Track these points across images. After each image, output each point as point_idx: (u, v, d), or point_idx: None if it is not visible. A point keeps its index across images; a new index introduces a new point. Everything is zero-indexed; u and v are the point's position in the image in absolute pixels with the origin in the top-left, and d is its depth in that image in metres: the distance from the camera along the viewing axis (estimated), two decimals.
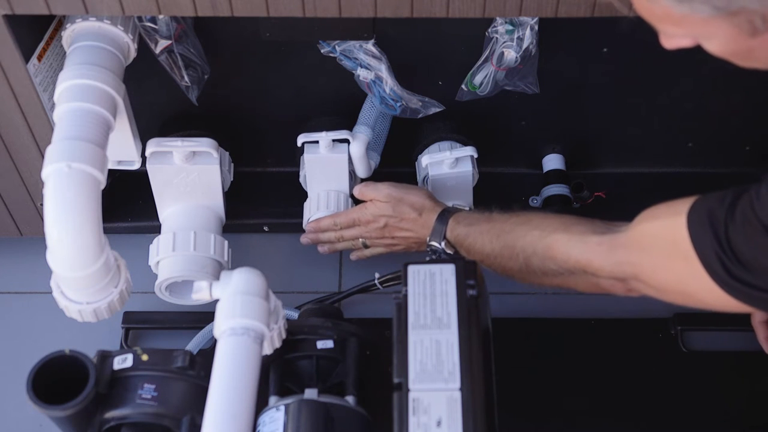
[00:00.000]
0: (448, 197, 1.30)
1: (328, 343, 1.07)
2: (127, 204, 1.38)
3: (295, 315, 1.26)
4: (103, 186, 1.01)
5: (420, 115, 1.27)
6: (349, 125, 1.30)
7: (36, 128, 1.19)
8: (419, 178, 1.35)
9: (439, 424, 0.90)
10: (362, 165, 1.31)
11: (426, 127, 1.35)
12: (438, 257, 1.17)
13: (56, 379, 0.95)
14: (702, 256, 0.87)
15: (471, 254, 1.14)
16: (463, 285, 1.00)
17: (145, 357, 1.00)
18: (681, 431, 1.28)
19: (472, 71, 1.23)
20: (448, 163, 1.30)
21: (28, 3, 1.03)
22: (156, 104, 1.32)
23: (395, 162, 1.36)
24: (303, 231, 1.34)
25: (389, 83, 1.23)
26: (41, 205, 1.18)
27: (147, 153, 1.23)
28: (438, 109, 1.27)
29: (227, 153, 1.34)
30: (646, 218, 0.96)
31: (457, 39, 1.23)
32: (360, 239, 1.30)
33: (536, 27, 1.17)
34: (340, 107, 1.33)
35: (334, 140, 1.28)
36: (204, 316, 1.29)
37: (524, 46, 1.18)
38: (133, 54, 1.16)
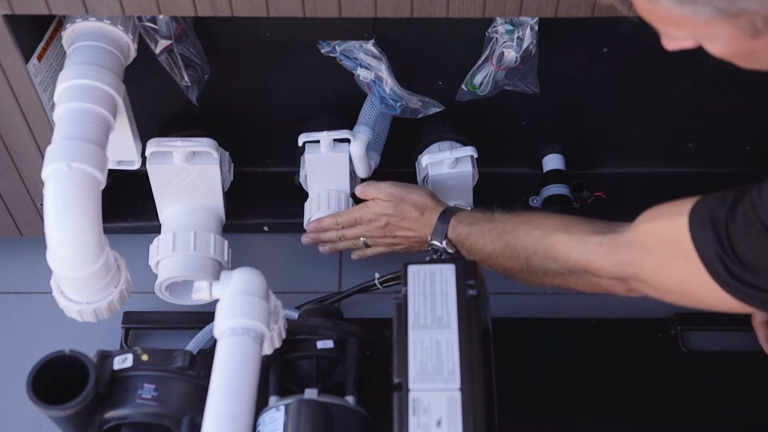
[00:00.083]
0: (448, 197, 1.30)
1: (328, 343, 1.07)
2: (127, 204, 1.38)
3: (295, 315, 1.26)
4: (103, 186, 1.01)
5: (420, 115, 1.27)
6: (350, 125, 1.30)
7: (36, 128, 1.19)
8: (419, 178, 1.35)
9: (439, 424, 0.90)
10: (362, 165, 1.31)
11: (426, 127, 1.35)
12: (439, 257, 1.17)
13: (56, 379, 0.95)
14: (703, 257, 0.87)
15: (472, 254, 1.14)
16: (463, 285, 1.00)
17: (145, 357, 1.00)
18: (681, 431, 1.28)
19: (472, 71, 1.23)
20: (448, 163, 1.30)
21: (28, 3, 1.03)
22: (156, 104, 1.32)
23: (395, 162, 1.36)
24: (303, 231, 1.34)
25: (389, 83, 1.23)
26: (41, 205, 1.18)
27: (147, 153, 1.23)
28: (438, 109, 1.27)
29: (227, 153, 1.34)
30: (647, 218, 0.97)
31: (457, 39, 1.23)
32: (361, 238, 1.30)
33: (536, 27, 1.17)
34: (340, 107, 1.33)
35: (335, 140, 1.28)
36: (204, 316, 1.29)
37: (524, 46, 1.18)
38: (133, 54, 1.16)
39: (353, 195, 1.32)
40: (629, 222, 0.99)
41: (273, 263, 1.41)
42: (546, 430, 1.27)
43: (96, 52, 1.10)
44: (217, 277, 1.03)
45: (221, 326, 0.93)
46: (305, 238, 1.34)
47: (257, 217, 1.41)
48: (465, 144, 1.33)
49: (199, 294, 0.98)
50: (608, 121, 1.39)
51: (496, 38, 1.18)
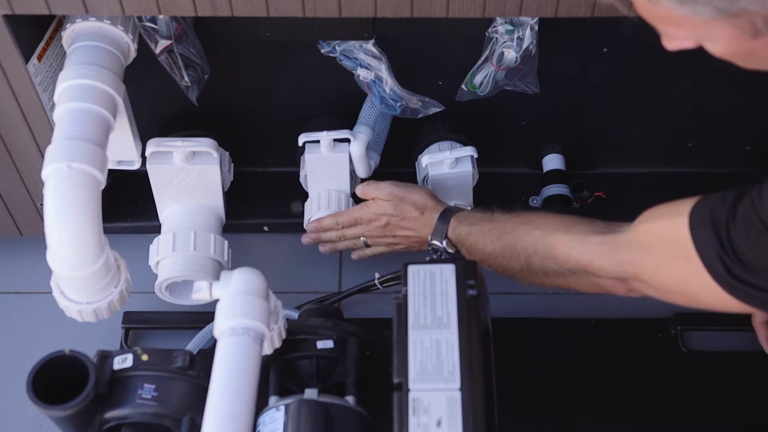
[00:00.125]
0: (448, 197, 1.30)
1: (328, 343, 1.07)
2: (127, 204, 1.38)
3: (295, 315, 1.26)
4: (103, 186, 1.01)
5: (420, 115, 1.27)
6: (350, 125, 1.30)
7: (36, 128, 1.19)
8: (419, 178, 1.35)
9: (439, 424, 0.90)
10: (362, 165, 1.31)
11: (426, 127, 1.35)
12: (439, 257, 1.17)
13: (56, 379, 0.95)
14: (703, 257, 0.87)
15: (472, 254, 1.14)
16: (463, 285, 1.00)
17: (145, 357, 1.00)
18: (681, 431, 1.28)
19: (472, 71, 1.23)
20: (448, 163, 1.30)
21: (28, 3, 1.03)
22: (156, 104, 1.32)
23: (395, 162, 1.36)
24: (303, 231, 1.34)
25: (389, 83, 1.23)
26: (41, 205, 1.18)
27: (147, 153, 1.23)
28: (438, 109, 1.27)
29: (227, 153, 1.34)
30: (648, 218, 0.97)
31: (457, 39, 1.23)
32: (361, 238, 1.30)
33: (536, 27, 1.17)
34: (340, 107, 1.33)
35: (335, 140, 1.28)
36: (204, 316, 1.29)
37: (524, 46, 1.18)
38: (133, 54, 1.16)
39: (353, 195, 1.32)
40: (629, 222, 0.99)
41: (273, 263, 1.41)
42: (546, 430, 1.27)
43: (96, 52, 1.10)
44: (217, 277, 1.03)
45: (221, 326, 0.93)
46: (305, 239, 1.34)
47: (257, 217, 1.40)
48: (465, 144, 1.33)
49: (199, 294, 0.98)
50: (608, 121, 1.39)
51: (496, 38, 1.18)
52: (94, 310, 1.03)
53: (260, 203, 1.41)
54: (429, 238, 1.19)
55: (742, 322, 1.25)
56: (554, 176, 1.41)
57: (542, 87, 1.24)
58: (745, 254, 0.85)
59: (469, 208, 1.31)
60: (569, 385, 1.30)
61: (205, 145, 1.23)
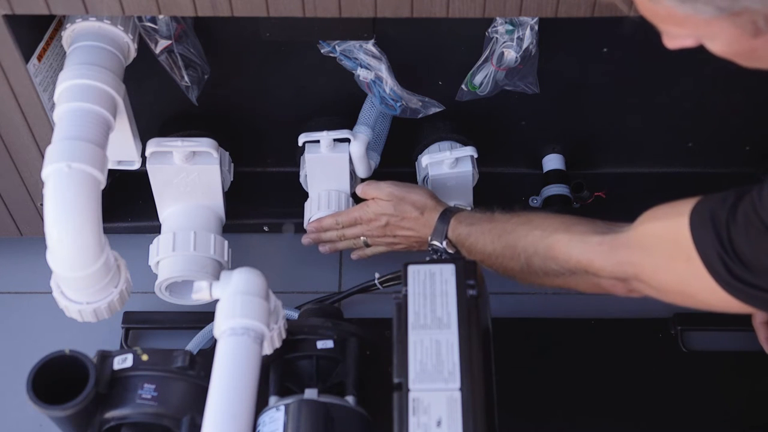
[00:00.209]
0: (448, 197, 1.30)
1: (328, 343, 1.07)
2: (127, 204, 1.38)
3: (295, 315, 1.26)
4: (103, 186, 1.01)
5: (420, 115, 1.27)
6: (349, 125, 1.30)
7: (36, 128, 1.19)
8: (419, 178, 1.35)
9: (439, 424, 0.90)
10: (362, 165, 1.31)
11: (426, 127, 1.35)
12: (439, 257, 1.17)
13: (56, 379, 0.95)
14: (704, 257, 0.87)
15: (472, 254, 1.14)
16: (463, 285, 1.00)
17: (145, 357, 1.00)
18: (681, 431, 1.28)
19: (472, 71, 1.23)
20: (448, 163, 1.30)
21: (28, 3, 1.03)
22: (156, 104, 1.32)
23: (395, 162, 1.36)
24: (303, 231, 1.34)
25: (389, 83, 1.23)
26: (41, 205, 1.18)
27: (147, 153, 1.23)
28: (438, 109, 1.27)
29: (227, 153, 1.34)
30: (648, 219, 0.96)
31: (457, 39, 1.23)
32: (361, 238, 1.30)
33: (536, 27, 1.17)
34: (340, 107, 1.33)
35: (335, 140, 1.28)
36: (204, 316, 1.29)
37: (524, 46, 1.18)
38: (133, 54, 1.16)
39: (353, 195, 1.32)
40: (629, 222, 0.99)
41: (273, 263, 1.41)
42: (546, 430, 1.27)
43: (96, 52, 1.10)
44: (217, 277, 1.02)
45: (221, 326, 0.93)
46: (306, 239, 1.34)
47: (257, 217, 1.40)
48: (465, 144, 1.33)
49: (199, 294, 0.98)
50: (608, 121, 1.39)
51: (496, 38, 1.18)
52: (94, 310, 1.03)
53: (260, 203, 1.41)
54: (429, 238, 1.19)
55: (742, 322, 1.25)
56: (554, 176, 1.41)
57: (542, 87, 1.24)
58: (746, 254, 0.85)
59: (469, 208, 1.31)
60: (569, 385, 1.30)
61: (205, 145, 1.23)
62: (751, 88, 1.28)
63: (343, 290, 1.36)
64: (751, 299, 0.87)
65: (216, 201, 1.31)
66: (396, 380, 0.94)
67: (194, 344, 1.27)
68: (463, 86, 1.25)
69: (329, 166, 1.31)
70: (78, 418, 0.96)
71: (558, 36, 1.20)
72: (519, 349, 1.28)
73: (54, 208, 0.97)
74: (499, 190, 1.43)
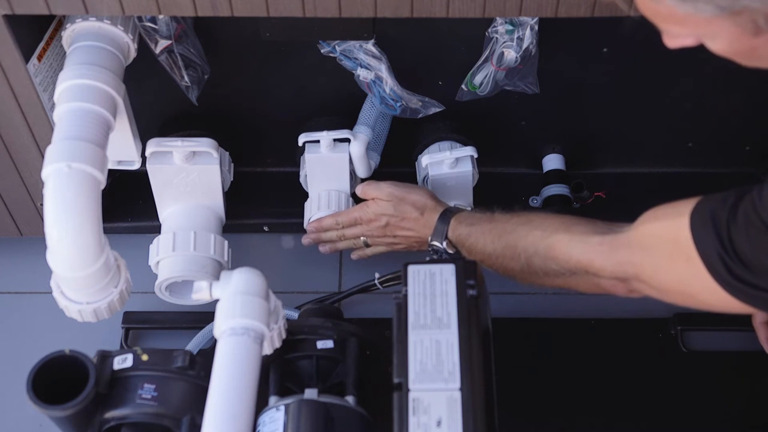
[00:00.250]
0: (448, 197, 1.30)
1: (328, 343, 1.07)
2: (127, 204, 1.38)
3: (295, 315, 1.26)
4: (103, 186, 1.01)
5: (420, 115, 1.27)
6: (349, 125, 1.30)
7: (36, 128, 1.19)
8: (419, 178, 1.35)
9: (439, 424, 0.90)
10: (362, 165, 1.31)
11: (426, 127, 1.35)
12: (439, 257, 1.17)
13: (56, 379, 0.94)
14: (704, 257, 0.87)
15: (472, 254, 1.14)
16: (463, 285, 1.00)
17: (145, 357, 1.00)
18: (681, 431, 1.28)
19: (472, 71, 1.23)
20: (448, 163, 1.30)
21: (28, 3, 1.03)
22: (156, 104, 1.32)
23: (395, 162, 1.36)
24: (303, 231, 1.34)
25: (389, 83, 1.23)
26: (41, 205, 1.18)
27: (147, 153, 1.23)
28: (438, 109, 1.27)
29: (227, 153, 1.34)
30: (649, 219, 0.96)
31: (457, 39, 1.23)
32: (361, 238, 1.29)
33: (536, 27, 1.17)
34: (340, 107, 1.33)
35: (335, 140, 1.28)
36: (204, 316, 1.29)
37: (524, 46, 1.18)
38: (133, 54, 1.16)
39: (353, 195, 1.32)
40: (629, 222, 0.99)
41: (273, 263, 1.41)
42: (546, 430, 1.27)
43: (96, 52, 1.10)
44: (217, 277, 1.02)
45: (221, 326, 0.93)
46: (306, 239, 1.34)
47: (257, 217, 1.40)
48: (465, 144, 1.33)
49: (199, 294, 0.98)
50: (608, 121, 1.39)
51: (496, 38, 1.18)
52: (94, 310, 1.03)
53: (260, 203, 1.41)
54: (429, 238, 1.19)
55: (742, 322, 1.25)
56: (554, 176, 1.41)
57: (542, 87, 1.24)
58: (746, 254, 0.85)
59: (469, 209, 1.31)
60: (569, 385, 1.30)
61: (205, 145, 1.23)
62: (751, 88, 1.28)
63: (343, 290, 1.36)
64: (751, 299, 0.87)
65: (216, 201, 1.31)
66: (396, 380, 0.94)
67: (194, 344, 1.27)
68: (463, 86, 1.25)
69: (329, 166, 1.31)
70: (78, 418, 0.96)
71: (558, 36, 1.20)
72: (519, 349, 1.28)
73: (54, 208, 0.97)
74: (499, 190, 1.43)
